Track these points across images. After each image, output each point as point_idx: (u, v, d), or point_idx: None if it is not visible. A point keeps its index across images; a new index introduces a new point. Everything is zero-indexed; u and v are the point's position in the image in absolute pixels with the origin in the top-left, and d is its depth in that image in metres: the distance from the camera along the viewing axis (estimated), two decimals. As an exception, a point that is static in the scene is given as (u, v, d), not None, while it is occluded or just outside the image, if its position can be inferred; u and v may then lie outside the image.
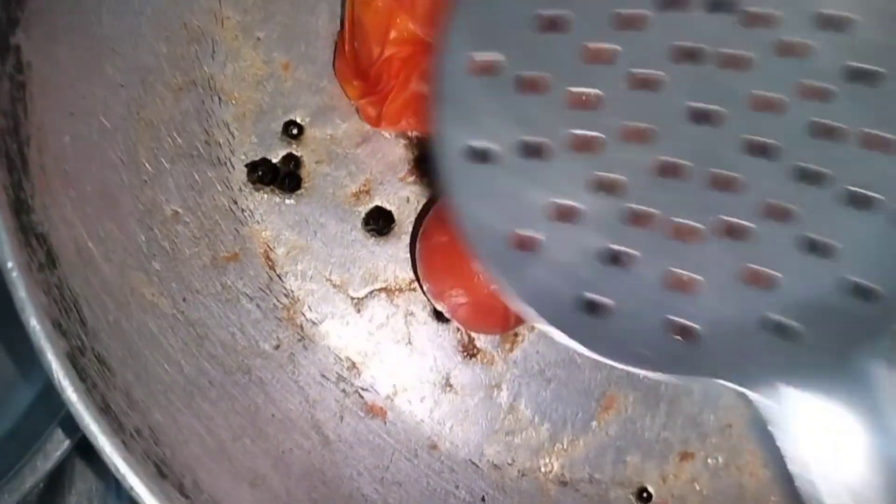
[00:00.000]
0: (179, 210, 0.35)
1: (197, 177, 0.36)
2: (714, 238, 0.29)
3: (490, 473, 0.37)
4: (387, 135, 0.38)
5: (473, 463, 0.37)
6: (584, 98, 0.29)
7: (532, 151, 0.29)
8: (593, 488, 0.37)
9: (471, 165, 0.29)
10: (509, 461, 0.37)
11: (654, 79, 0.29)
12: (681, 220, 0.29)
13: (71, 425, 0.34)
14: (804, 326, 0.28)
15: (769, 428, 0.27)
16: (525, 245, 0.29)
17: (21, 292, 0.27)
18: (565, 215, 0.29)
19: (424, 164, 0.38)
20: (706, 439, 0.38)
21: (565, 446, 0.38)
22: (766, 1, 0.29)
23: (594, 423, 0.38)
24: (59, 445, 0.36)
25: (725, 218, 0.29)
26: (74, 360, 0.28)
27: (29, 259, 0.28)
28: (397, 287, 0.38)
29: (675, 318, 0.28)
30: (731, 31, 0.29)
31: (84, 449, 0.39)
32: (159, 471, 0.28)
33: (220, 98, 0.37)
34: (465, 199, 0.29)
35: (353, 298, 0.37)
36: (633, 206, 0.29)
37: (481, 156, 0.29)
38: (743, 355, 0.28)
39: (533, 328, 0.38)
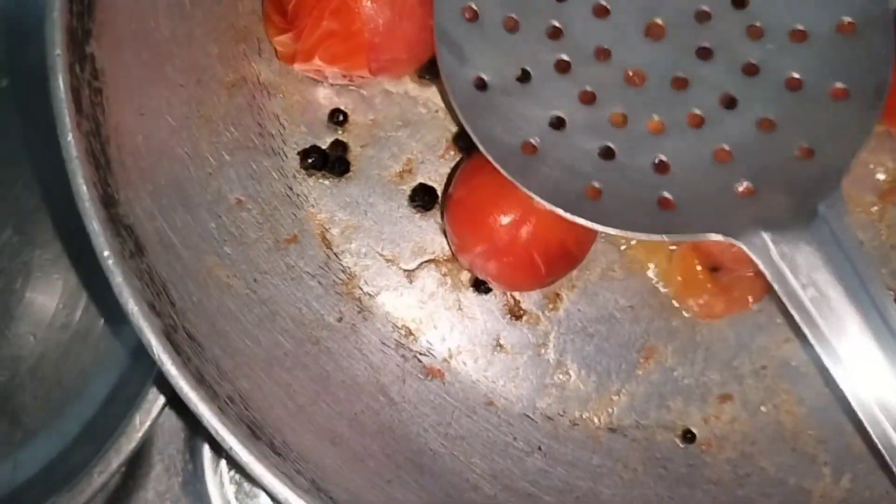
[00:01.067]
0: (242, 198, 0.37)
1: (255, 167, 0.38)
2: (681, 128, 0.35)
3: (544, 425, 0.40)
4: (428, 118, 0.41)
5: (528, 416, 0.40)
6: (559, 28, 0.36)
7: (525, 77, 0.36)
8: (640, 433, 0.40)
9: (477, 94, 0.36)
10: (560, 412, 0.40)
11: (612, 6, 0.36)
12: (653, 117, 0.36)
13: (163, 382, 0.37)
14: (764, 187, 0.35)
15: (764, 270, 0.34)
16: (532, 151, 0.36)
17: (118, 278, 0.30)
18: (561, 124, 0.36)
19: (461, 141, 0.40)
20: (742, 381, 0.40)
21: (611, 396, 0.40)
22: None
23: (637, 373, 0.40)
24: (156, 400, 0.39)
25: (689, 110, 0.35)
26: (169, 337, 0.30)
27: (121, 248, 0.30)
28: (444, 258, 0.40)
29: (660, 193, 0.35)
30: None
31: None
32: (253, 433, 0.31)
33: (268, 92, 0.40)
34: (477, 122, 0.36)
35: (404, 271, 0.40)
36: (614, 110, 0.36)
37: (484, 86, 0.36)
38: (721, 215, 0.35)
39: (574, 288, 0.40)
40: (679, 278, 0.41)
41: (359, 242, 0.40)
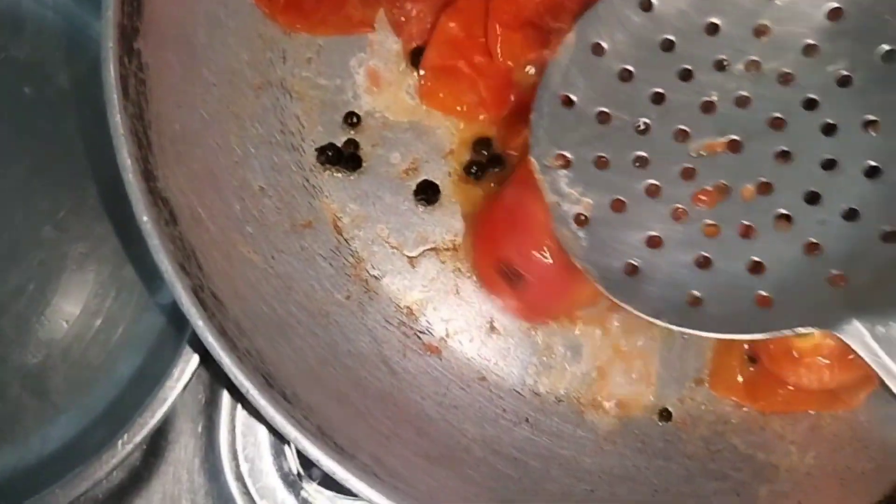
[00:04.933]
0: (264, 186, 0.42)
1: (276, 159, 0.43)
2: (769, 229, 0.38)
3: (532, 400, 0.43)
4: (433, 124, 0.45)
5: (517, 391, 0.43)
6: (645, 157, 0.39)
7: (619, 206, 0.39)
8: (621, 410, 0.43)
9: (579, 230, 0.39)
10: (547, 390, 0.43)
11: (691, 130, 0.39)
12: (743, 223, 0.38)
13: (195, 342, 0.41)
14: (854, 274, 0.36)
15: (861, 355, 0.35)
16: (633, 271, 0.38)
17: (155, 240, 0.34)
18: (658, 243, 0.39)
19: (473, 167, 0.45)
20: (716, 367, 0.44)
21: (595, 377, 0.44)
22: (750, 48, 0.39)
23: (619, 357, 0.44)
24: (179, 377, 0.43)
25: (775, 211, 0.38)
26: (197, 294, 0.35)
27: (158, 216, 0.35)
28: (444, 247, 0.44)
29: (756, 292, 0.37)
30: (736, 78, 0.39)
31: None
32: (267, 382, 0.35)
33: (290, 95, 0.44)
34: (584, 256, 0.39)
35: (408, 257, 0.44)
36: (705, 222, 0.38)
37: (585, 221, 0.39)
38: (815, 306, 0.36)
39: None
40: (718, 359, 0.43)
41: (367, 230, 0.44)
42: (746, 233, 0.38)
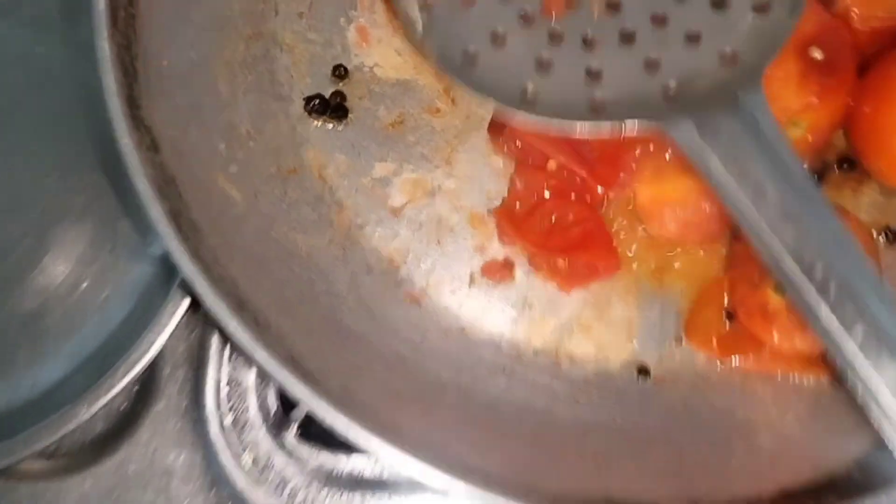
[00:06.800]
0: (251, 130, 0.43)
1: (264, 106, 0.44)
2: (613, 44, 0.39)
3: (510, 351, 0.43)
4: (420, 81, 0.46)
5: (495, 342, 0.43)
6: None
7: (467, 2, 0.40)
8: (599, 365, 0.43)
9: (421, 12, 0.40)
10: (526, 342, 0.43)
11: None
12: (588, 34, 0.39)
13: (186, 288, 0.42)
14: (689, 85, 0.38)
15: (689, 158, 0.36)
16: (473, 60, 0.39)
17: (134, 161, 0.35)
18: (500, 40, 0.39)
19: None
20: (697, 326, 0.44)
21: (574, 331, 0.44)
22: None
23: (599, 311, 0.44)
24: (167, 323, 0.44)
25: (621, 28, 0.39)
26: (174, 218, 0.35)
27: (139, 140, 0.36)
28: (428, 199, 0.45)
29: (592, 95, 0.38)
30: None
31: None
32: (239, 305, 0.35)
33: (281, 48, 0.45)
34: (421, 38, 0.40)
35: (391, 208, 0.44)
36: (551, 27, 0.39)
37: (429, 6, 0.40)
38: (649, 108, 0.38)
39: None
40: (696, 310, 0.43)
41: (351, 180, 0.44)
42: (590, 44, 0.39)
